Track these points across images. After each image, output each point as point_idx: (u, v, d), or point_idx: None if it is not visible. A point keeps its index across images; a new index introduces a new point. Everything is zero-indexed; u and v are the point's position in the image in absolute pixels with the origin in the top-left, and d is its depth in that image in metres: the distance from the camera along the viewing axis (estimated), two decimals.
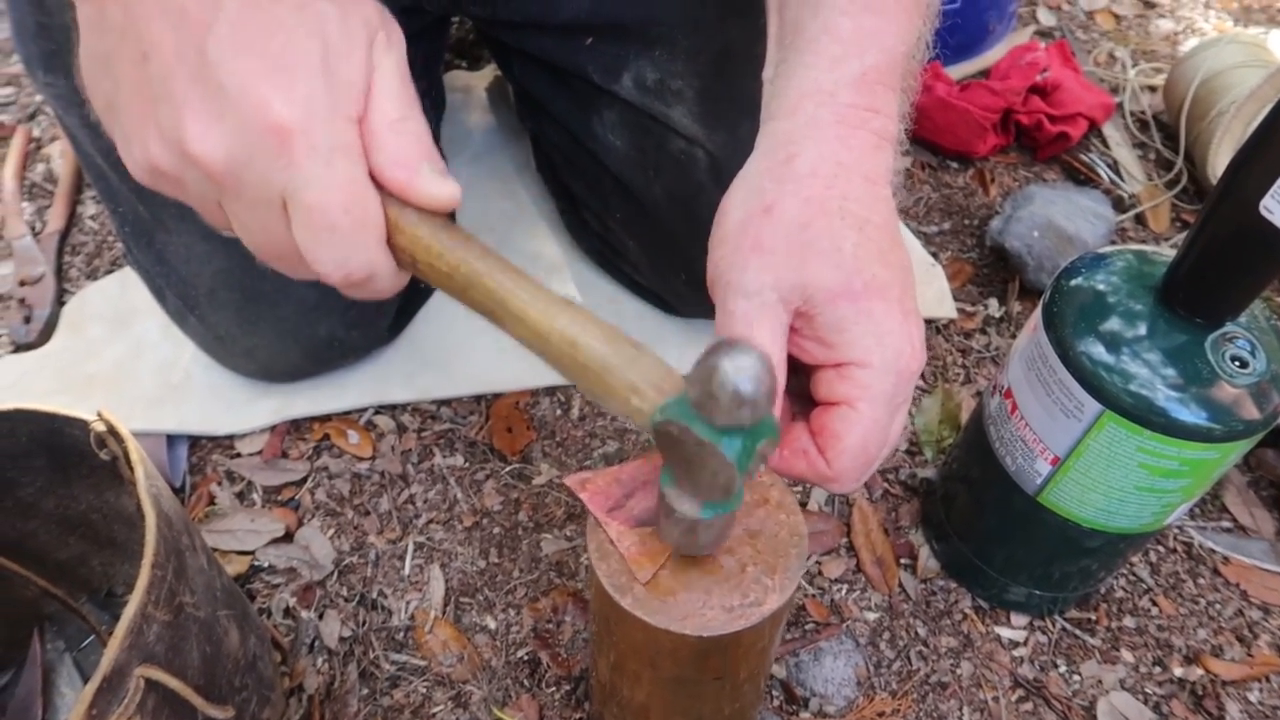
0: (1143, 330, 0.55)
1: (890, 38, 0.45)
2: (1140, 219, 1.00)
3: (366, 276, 0.37)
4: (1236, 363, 0.53)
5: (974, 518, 0.69)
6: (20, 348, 0.85)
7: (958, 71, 1.13)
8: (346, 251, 0.36)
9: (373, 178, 0.36)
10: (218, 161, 0.35)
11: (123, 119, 0.37)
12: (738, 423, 0.34)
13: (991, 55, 1.16)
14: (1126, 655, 0.69)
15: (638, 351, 0.37)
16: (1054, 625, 0.70)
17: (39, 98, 1.13)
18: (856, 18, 0.44)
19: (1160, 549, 0.74)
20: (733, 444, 0.35)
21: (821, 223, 0.40)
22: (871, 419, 0.40)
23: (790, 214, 0.40)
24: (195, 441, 0.79)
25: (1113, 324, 0.55)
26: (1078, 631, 0.70)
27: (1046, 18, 1.28)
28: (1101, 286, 0.57)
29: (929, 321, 0.89)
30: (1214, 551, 0.74)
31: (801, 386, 0.43)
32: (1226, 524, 0.76)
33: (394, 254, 0.38)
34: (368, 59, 0.36)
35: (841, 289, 0.40)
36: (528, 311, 0.37)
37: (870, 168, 0.42)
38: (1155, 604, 0.71)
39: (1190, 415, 0.52)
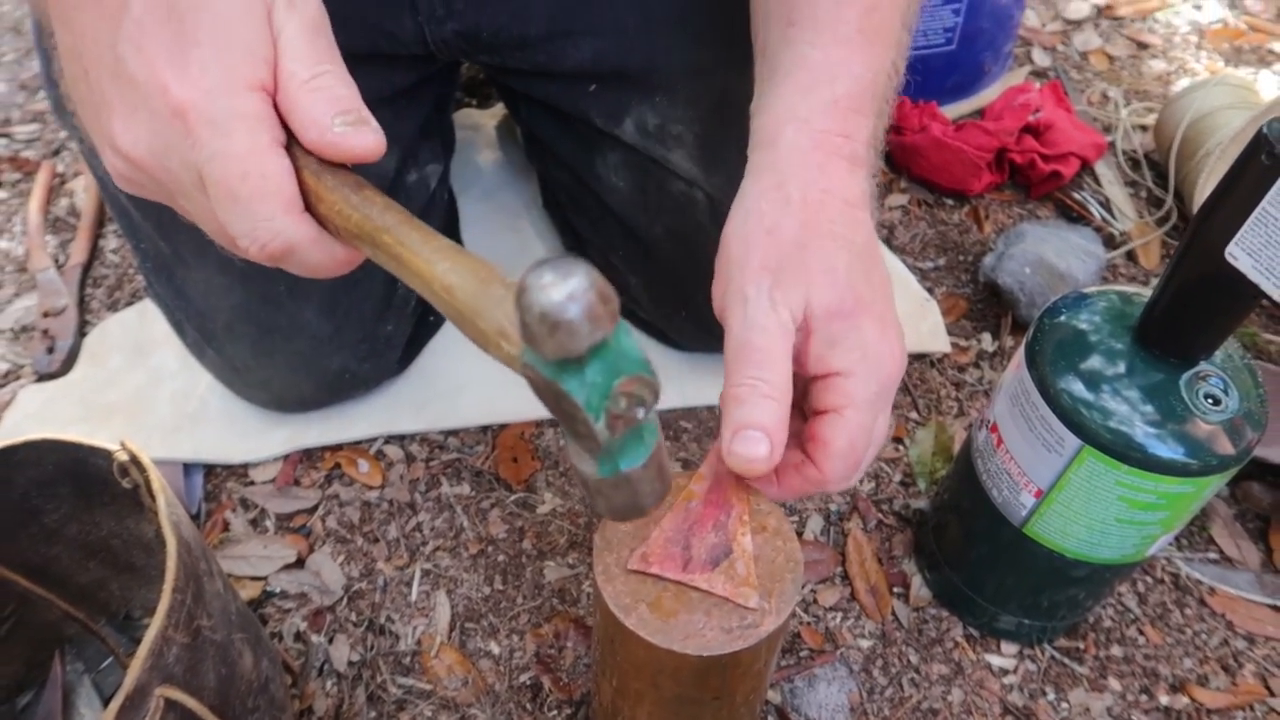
0: (1121, 368, 0.57)
1: (858, 66, 0.48)
2: (1131, 256, 1.02)
3: (283, 248, 0.37)
4: (1210, 400, 0.55)
5: (964, 548, 0.71)
6: (43, 377, 0.88)
7: (953, 111, 1.16)
8: (252, 221, 0.36)
9: (299, 144, 0.37)
10: (143, 155, 0.36)
11: (93, 137, 0.39)
12: (566, 352, 0.29)
13: (987, 95, 1.19)
14: (1114, 683, 0.70)
15: (509, 291, 0.33)
16: (1043, 653, 0.72)
17: (63, 134, 1.17)
18: (825, 49, 0.48)
19: (1148, 579, 0.76)
20: (573, 381, 0.31)
21: (817, 244, 0.44)
22: (857, 424, 0.43)
23: (789, 236, 0.44)
24: (210, 469, 0.82)
25: (1092, 362, 0.58)
26: (1066, 660, 0.71)
27: (1041, 58, 1.31)
28: (1083, 326, 0.60)
29: (923, 355, 0.92)
30: (1200, 582, 0.76)
31: (797, 402, 0.46)
32: (1213, 555, 0.78)
33: (323, 224, 0.37)
34: (266, 26, 0.37)
35: (836, 308, 0.43)
36: (414, 260, 0.35)
37: (848, 192, 0.46)
38: (1142, 633, 0.73)
39: (1167, 451, 0.54)
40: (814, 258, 0.44)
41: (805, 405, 0.46)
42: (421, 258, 0.35)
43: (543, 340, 0.29)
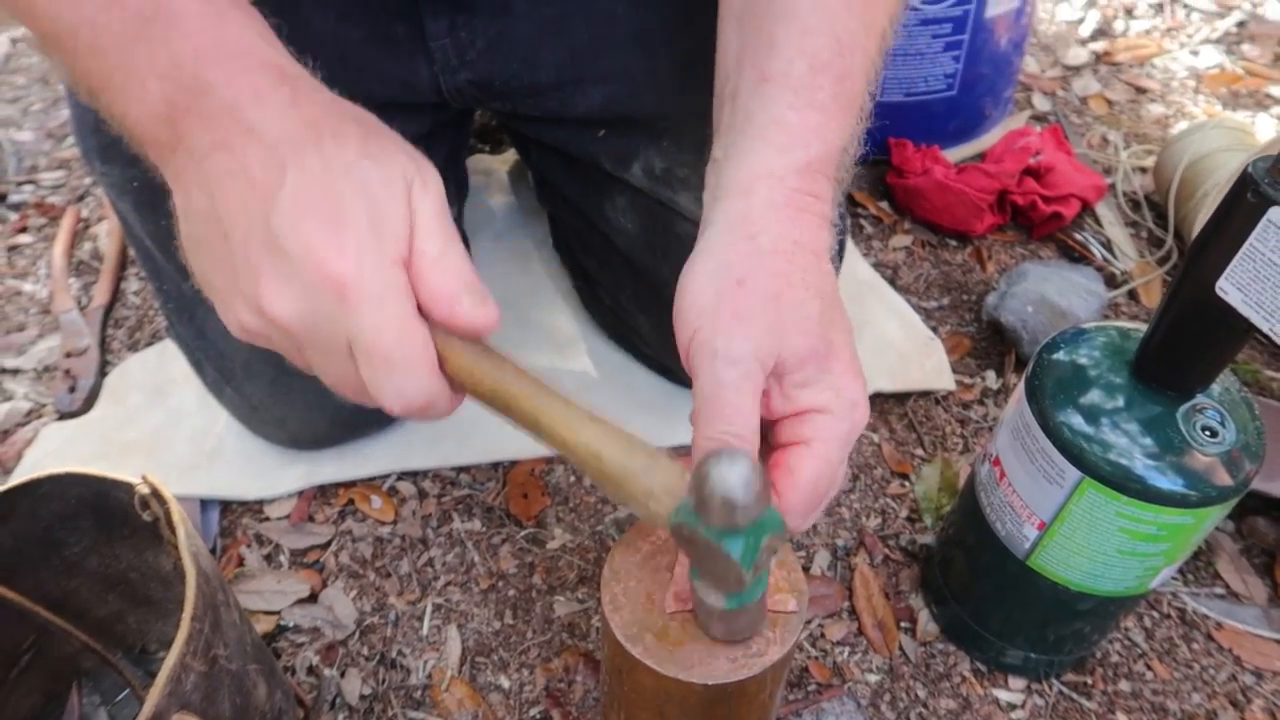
0: (1120, 401, 0.58)
1: (831, 133, 0.50)
2: (1133, 295, 1.03)
3: (425, 404, 0.41)
4: (1207, 432, 0.56)
5: (970, 582, 0.71)
6: (64, 415, 0.90)
7: (955, 154, 1.19)
8: (403, 383, 0.40)
9: (422, 311, 0.40)
10: (291, 320, 0.40)
11: (216, 291, 0.43)
12: (734, 525, 0.37)
13: (988, 139, 1.22)
14: (1122, 719, 0.70)
15: (652, 460, 0.41)
16: (1051, 688, 0.72)
17: (88, 180, 1.20)
18: (802, 112, 0.49)
19: (1154, 614, 0.76)
20: (734, 544, 0.38)
21: (789, 294, 0.45)
22: (825, 457, 0.44)
23: (762, 287, 0.45)
24: (226, 506, 0.83)
25: (1091, 396, 0.59)
26: (1074, 695, 0.71)
27: (1041, 103, 1.34)
28: (1082, 360, 0.61)
29: (929, 393, 0.93)
30: (1207, 617, 0.76)
31: (763, 435, 0.47)
32: (1219, 590, 0.78)
33: (447, 379, 0.42)
34: (408, 206, 0.41)
35: (810, 353, 0.45)
36: (556, 428, 0.41)
37: (816, 245, 0.48)
38: (1150, 668, 0.73)
39: (1166, 482, 0.55)
40: (787, 307, 0.45)
41: (765, 444, 0.47)
42: (563, 425, 0.41)
43: (720, 516, 0.37)
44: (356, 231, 0.39)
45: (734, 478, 0.36)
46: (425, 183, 0.42)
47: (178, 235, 0.44)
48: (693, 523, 0.38)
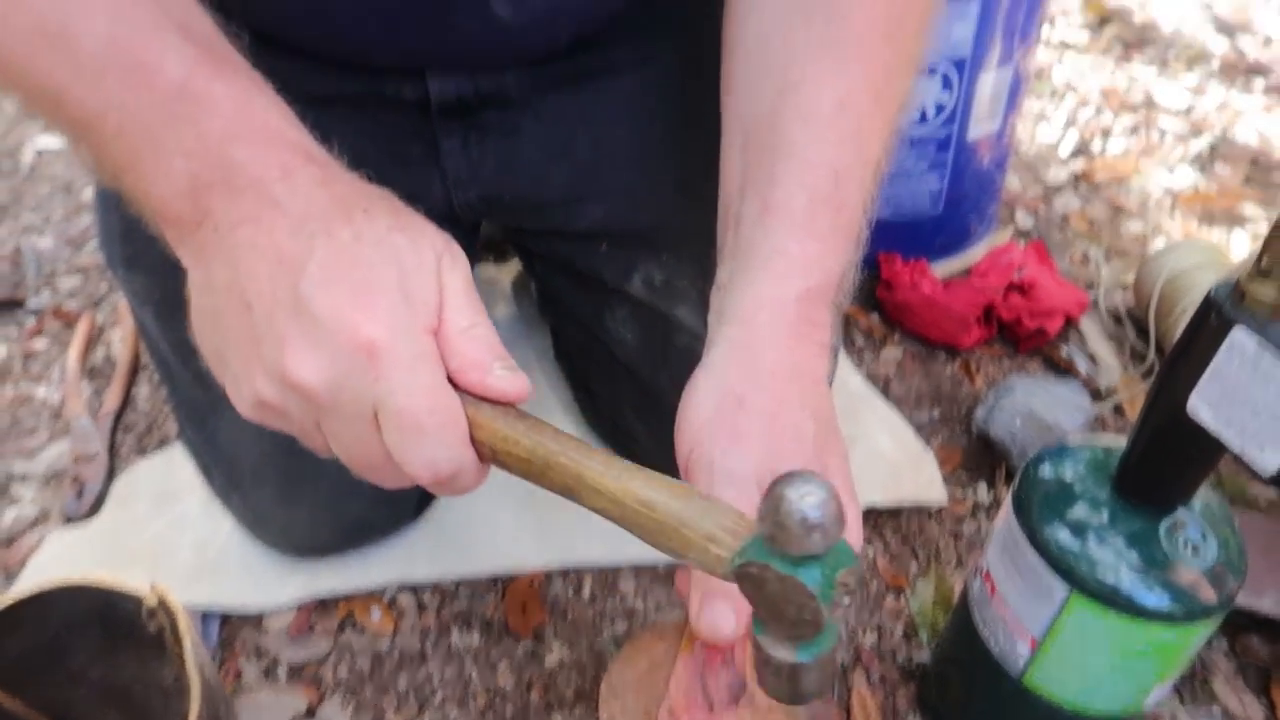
0: (1104, 517, 0.60)
1: (830, 261, 0.52)
2: (1118, 409, 1.06)
3: (453, 473, 0.41)
4: (1189, 548, 0.58)
5: (966, 701, 0.71)
6: (71, 520, 0.91)
7: (943, 269, 1.23)
8: (434, 450, 0.40)
9: (451, 381, 0.41)
10: (317, 385, 0.40)
11: (231, 364, 0.44)
12: (810, 550, 0.35)
13: (973, 254, 1.26)
14: None
15: (709, 503, 0.39)
16: None
17: (104, 287, 1.24)
18: (803, 243, 0.52)
19: None
20: (811, 574, 0.36)
21: (787, 416, 0.47)
22: None
23: (760, 407, 0.47)
24: (226, 617, 0.84)
25: (1076, 511, 0.60)
26: None
27: (1024, 220, 1.39)
28: (1066, 476, 0.63)
29: (921, 507, 0.94)
30: None
31: None
32: (1217, 710, 0.78)
33: (476, 449, 0.42)
34: (437, 278, 0.42)
35: None
36: (603, 482, 0.40)
37: (816, 372, 0.50)
38: None
39: (1152, 598, 0.57)
40: (784, 427, 0.47)
41: None
42: (610, 479, 0.40)
43: (797, 540, 0.35)
44: (388, 298, 0.40)
45: (811, 497, 0.34)
46: (454, 257, 0.43)
47: (188, 314, 0.45)
48: (763, 557, 0.36)
